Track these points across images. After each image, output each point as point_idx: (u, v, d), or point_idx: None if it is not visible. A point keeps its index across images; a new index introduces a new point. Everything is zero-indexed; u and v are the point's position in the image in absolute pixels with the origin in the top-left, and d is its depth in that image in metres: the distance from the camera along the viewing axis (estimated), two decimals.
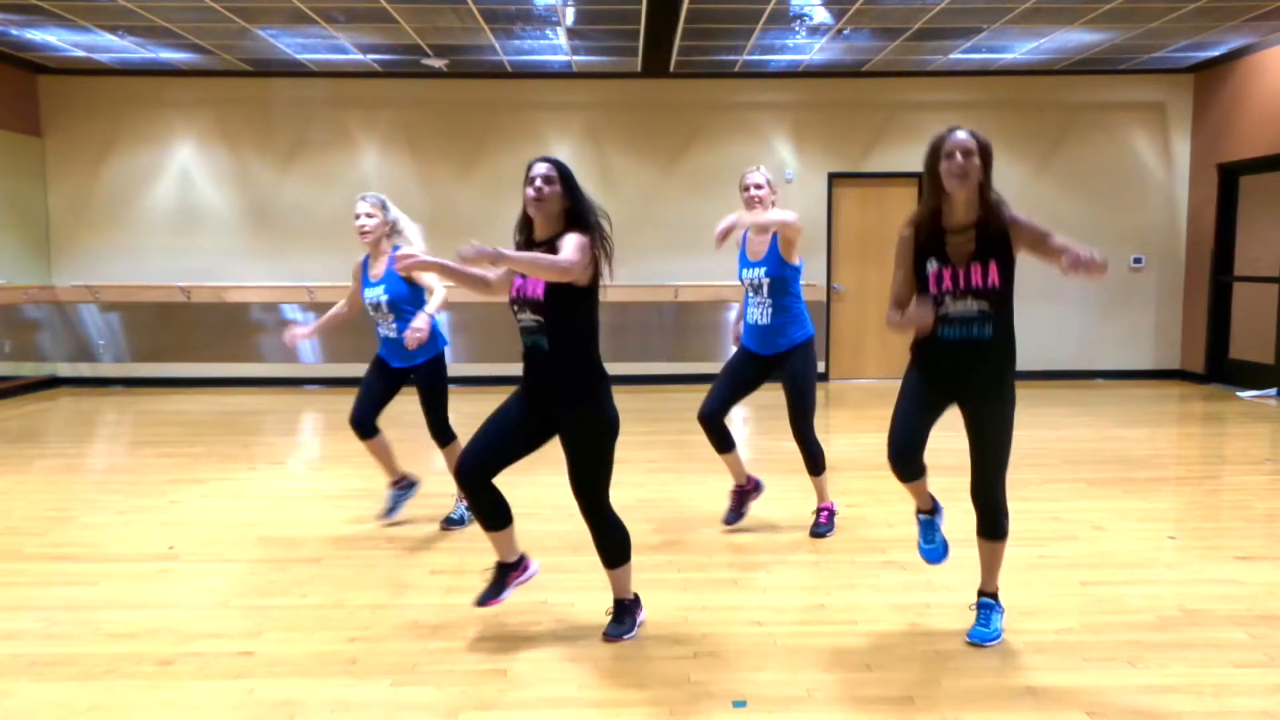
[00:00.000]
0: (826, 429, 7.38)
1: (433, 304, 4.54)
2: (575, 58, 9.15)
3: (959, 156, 3.05)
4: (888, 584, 3.93)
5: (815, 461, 4.59)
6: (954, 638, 3.38)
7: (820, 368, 10.06)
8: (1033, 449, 6.51)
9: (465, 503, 4.84)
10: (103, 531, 4.79)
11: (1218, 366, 9.78)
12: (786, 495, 5.26)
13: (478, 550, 4.35)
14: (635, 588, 3.48)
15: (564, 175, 3.25)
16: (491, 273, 3.36)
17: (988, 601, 3.42)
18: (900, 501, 5.15)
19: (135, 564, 4.27)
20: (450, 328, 10.02)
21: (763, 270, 4.43)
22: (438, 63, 9.20)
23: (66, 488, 5.77)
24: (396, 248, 4.58)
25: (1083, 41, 8.54)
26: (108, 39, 8.34)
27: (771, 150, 10.03)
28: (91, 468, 6.61)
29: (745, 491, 4.74)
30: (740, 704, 2.90)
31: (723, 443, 4.60)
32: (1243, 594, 3.79)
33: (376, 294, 4.57)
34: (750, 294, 4.55)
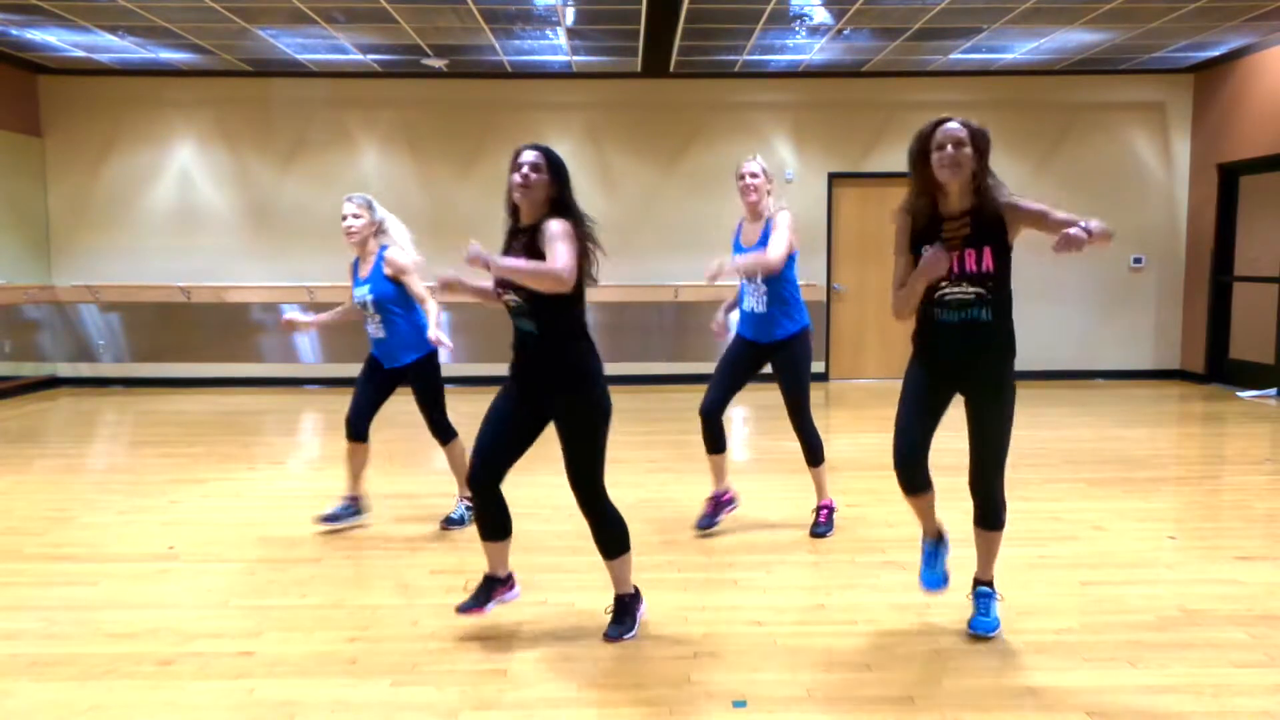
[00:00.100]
0: (827, 429, 7.36)
1: (432, 321, 4.53)
2: (575, 58, 9.15)
3: (950, 148, 3.04)
4: (888, 584, 3.93)
5: (815, 453, 4.59)
6: (954, 637, 3.38)
7: (820, 368, 10.08)
8: (1033, 449, 6.51)
9: (465, 502, 4.85)
10: (103, 531, 4.79)
11: (1218, 366, 9.78)
12: (786, 495, 5.26)
13: (478, 550, 4.33)
14: (631, 585, 3.47)
15: (552, 164, 3.20)
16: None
17: (985, 590, 3.43)
18: (900, 501, 5.14)
19: (135, 564, 4.27)
20: (450, 328, 10.03)
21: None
22: (438, 63, 9.20)
23: (66, 488, 5.77)
24: (384, 247, 4.57)
25: (1083, 41, 8.54)
26: (108, 39, 8.34)
27: (771, 150, 10.02)
28: (91, 468, 6.62)
29: (722, 502, 4.71)
30: (740, 704, 2.90)
31: (716, 443, 4.60)
32: (1243, 594, 3.79)
33: (363, 293, 4.57)
34: (745, 281, 4.53)
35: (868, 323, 10.18)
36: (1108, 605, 3.68)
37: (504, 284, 3.23)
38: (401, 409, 4.94)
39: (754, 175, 4.48)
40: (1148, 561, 4.24)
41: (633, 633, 3.40)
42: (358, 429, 4.67)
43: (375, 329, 4.61)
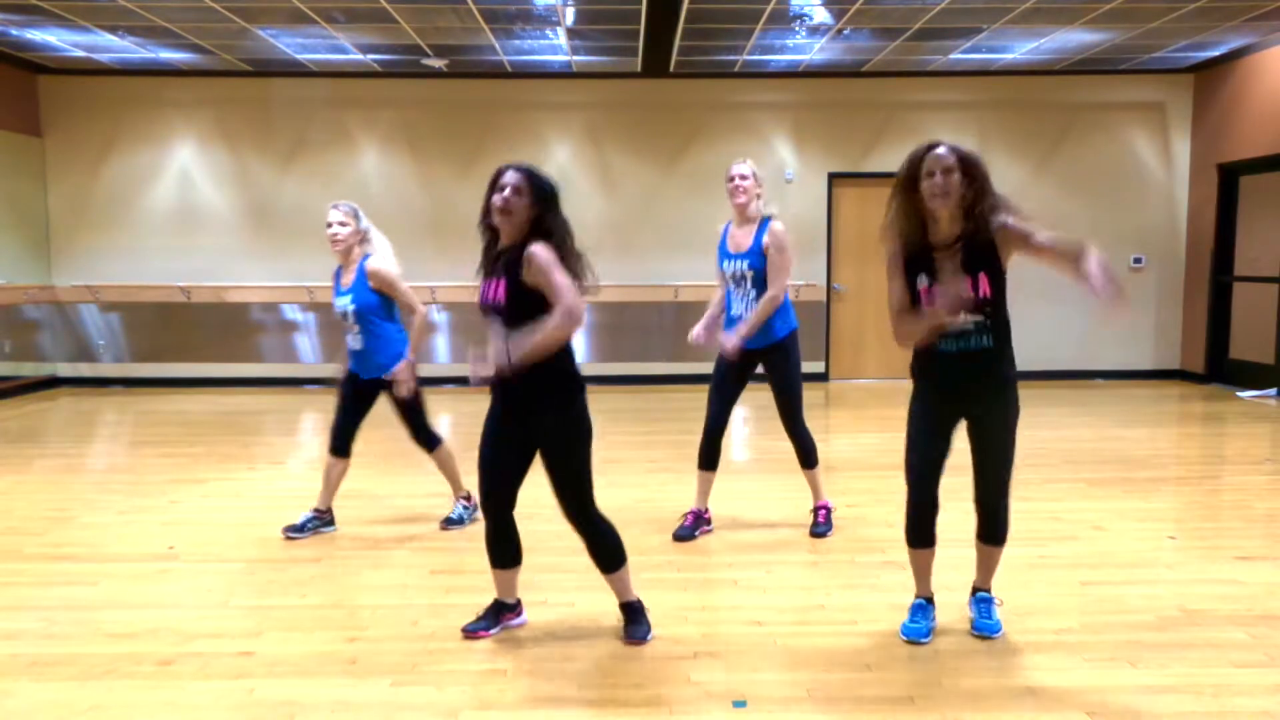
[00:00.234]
0: (826, 429, 7.38)
1: (413, 342, 4.50)
2: (575, 58, 9.15)
3: (939, 175, 3.01)
4: (888, 584, 3.93)
5: (808, 455, 4.59)
6: (954, 637, 3.38)
7: (820, 368, 10.09)
8: (1033, 449, 6.51)
9: (463, 501, 4.84)
10: (103, 531, 4.79)
11: (1218, 366, 9.78)
12: (786, 495, 5.26)
13: (478, 550, 4.33)
14: (636, 587, 3.47)
15: (534, 186, 3.10)
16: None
17: (985, 596, 3.44)
18: (900, 501, 5.15)
19: (135, 564, 4.27)
20: (448, 328, 10.04)
21: (746, 263, 4.40)
22: (438, 63, 9.20)
23: (66, 488, 5.77)
24: (366, 256, 4.52)
25: (1083, 41, 8.54)
26: (108, 39, 8.34)
27: (771, 150, 10.03)
28: (91, 468, 6.62)
29: (703, 518, 4.68)
30: (740, 704, 2.90)
31: (712, 460, 4.59)
32: (1243, 594, 3.79)
33: (345, 303, 4.52)
34: (733, 286, 4.50)
35: (868, 323, 10.18)
36: (1108, 605, 3.68)
37: (487, 309, 3.19)
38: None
39: (744, 177, 4.42)
40: (1148, 561, 4.24)
41: (651, 633, 3.40)
42: (338, 445, 4.63)
43: (353, 340, 4.55)
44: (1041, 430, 7.25)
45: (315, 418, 8.54)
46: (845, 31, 8.14)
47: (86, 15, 7.60)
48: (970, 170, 3.02)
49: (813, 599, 3.80)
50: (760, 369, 4.54)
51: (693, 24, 7.86)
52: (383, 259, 4.52)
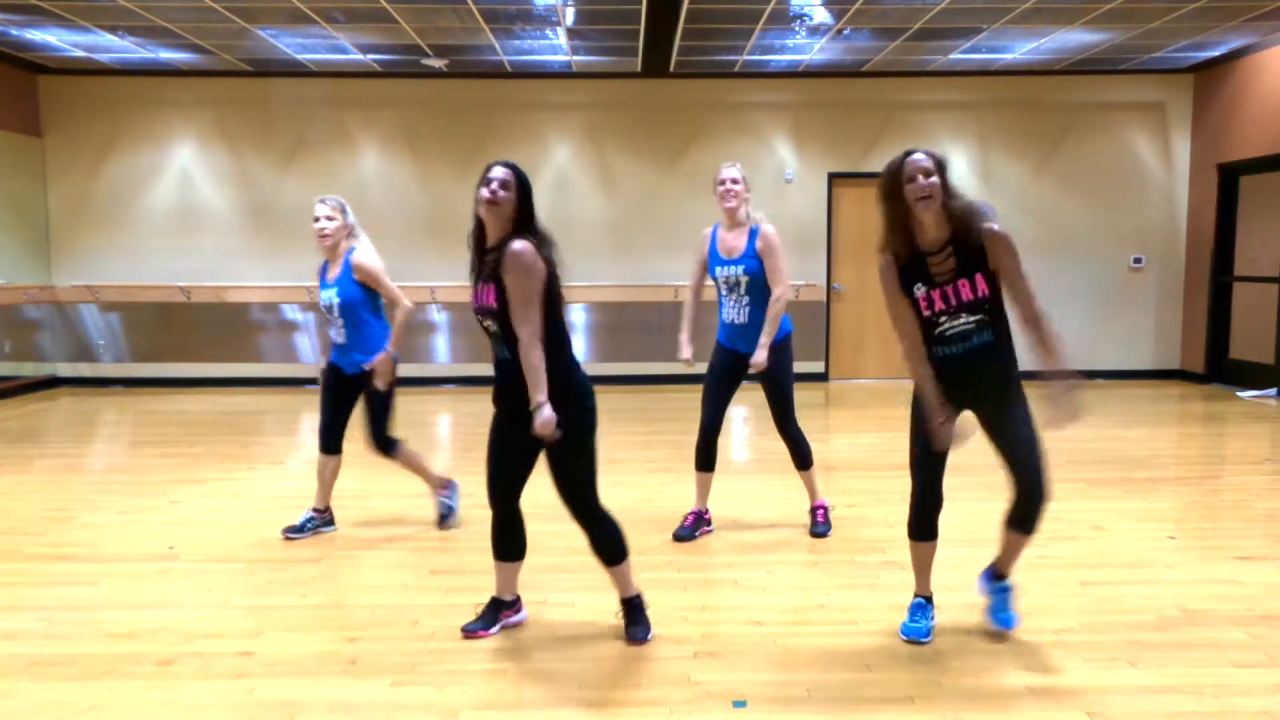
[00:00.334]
0: (826, 429, 7.38)
1: (394, 336, 4.46)
2: (575, 58, 9.15)
3: (921, 179, 3.03)
4: (888, 584, 3.93)
5: (803, 456, 4.59)
6: (954, 637, 3.38)
7: (820, 368, 10.09)
8: None
9: (443, 494, 4.79)
10: (103, 531, 4.79)
11: (1218, 366, 9.78)
12: (786, 495, 5.26)
13: (478, 550, 4.34)
14: (636, 587, 3.47)
15: (521, 182, 3.18)
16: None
17: (1006, 585, 3.44)
18: (900, 501, 5.13)
19: (135, 564, 4.27)
20: (447, 328, 10.03)
21: (740, 268, 4.39)
22: (438, 63, 9.20)
23: (66, 488, 5.77)
24: (351, 250, 4.51)
25: (1083, 41, 8.54)
26: (108, 39, 8.34)
27: (771, 150, 10.03)
28: (91, 468, 6.62)
29: (704, 519, 4.68)
30: (740, 704, 2.90)
31: (709, 461, 4.60)
32: (1243, 594, 3.79)
33: (329, 296, 4.50)
34: (725, 292, 4.49)
35: (868, 323, 10.17)
36: (1108, 605, 3.69)
37: (479, 312, 3.23)
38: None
39: (735, 181, 4.39)
40: (1148, 561, 4.24)
41: (651, 631, 3.40)
42: (328, 443, 4.63)
43: (337, 333, 4.54)
44: (1041, 430, 7.23)
45: (315, 418, 8.53)
46: (845, 31, 8.14)
47: (86, 15, 7.60)
48: (943, 172, 3.07)
49: (813, 599, 3.80)
50: (752, 371, 4.54)
51: (693, 24, 7.86)
52: (369, 253, 4.51)
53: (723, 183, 4.41)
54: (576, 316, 9.73)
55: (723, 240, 4.49)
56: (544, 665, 3.21)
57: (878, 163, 10.00)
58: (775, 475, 5.81)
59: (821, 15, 7.69)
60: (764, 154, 10.02)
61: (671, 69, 9.53)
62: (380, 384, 4.46)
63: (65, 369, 10.11)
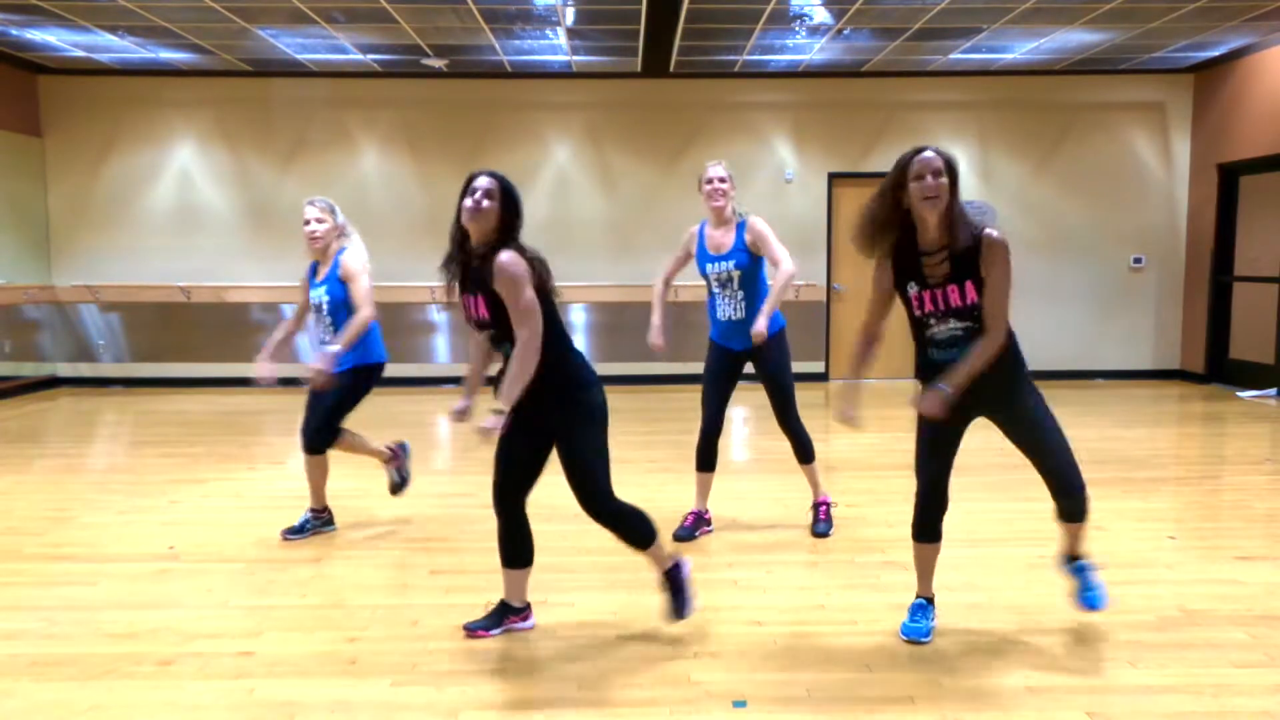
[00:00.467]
0: (826, 429, 7.38)
1: (345, 337, 4.36)
2: (575, 58, 9.15)
3: (929, 178, 3.00)
4: (888, 584, 3.93)
5: (805, 449, 4.59)
6: (954, 637, 3.38)
7: (820, 368, 10.08)
8: None
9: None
10: (103, 531, 4.79)
11: (1218, 366, 9.78)
12: (786, 495, 5.26)
13: (478, 550, 4.35)
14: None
15: (505, 191, 3.18)
16: (477, 350, 3.44)
17: (1083, 565, 3.42)
18: (900, 501, 5.15)
19: (135, 564, 4.27)
20: (449, 328, 10.03)
21: (731, 263, 4.40)
22: (438, 63, 9.20)
23: (66, 488, 5.77)
24: (341, 250, 4.51)
25: (1083, 41, 8.54)
26: (108, 39, 8.34)
27: (771, 150, 10.03)
28: (91, 468, 6.61)
29: (704, 519, 4.68)
30: (740, 704, 2.90)
31: (709, 461, 4.60)
32: (1243, 594, 3.79)
33: (319, 295, 4.50)
34: (717, 289, 4.49)
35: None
36: (1108, 605, 3.68)
37: (475, 323, 3.24)
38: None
39: (722, 180, 4.40)
40: (1148, 561, 4.24)
41: (692, 604, 3.40)
42: (311, 444, 4.59)
43: (325, 333, 4.54)
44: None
45: None
46: (845, 31, 8.14)
47: (86, 15, 7.60)
48: (954, 175, 3.05)
49: (813, 599, 3.80)
50: (751, 368, 4.54)
51: (693, 24, 7.86)
52: (356, 253, 4.50)
53: (710, 181, 4.41)
54: (576, 316, 9.75)
55: (710, 237, 4.50)
56: (544, 665, 3.21)
57: (878, 163, 10.13)
58: (775, 475, 5.81)
59: (821, 15, 7.70)
60: (764, 154, 10.02)
61: (671, 69, 9.54)
62: (315, 382, 4.33)
63: (65, 369, 10.11)
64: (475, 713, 2.87)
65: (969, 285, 3.07)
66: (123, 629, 3.52)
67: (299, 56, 9.01)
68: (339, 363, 4.42)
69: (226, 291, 9.94)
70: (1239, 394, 9.03)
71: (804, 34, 8.24)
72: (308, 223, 4.48)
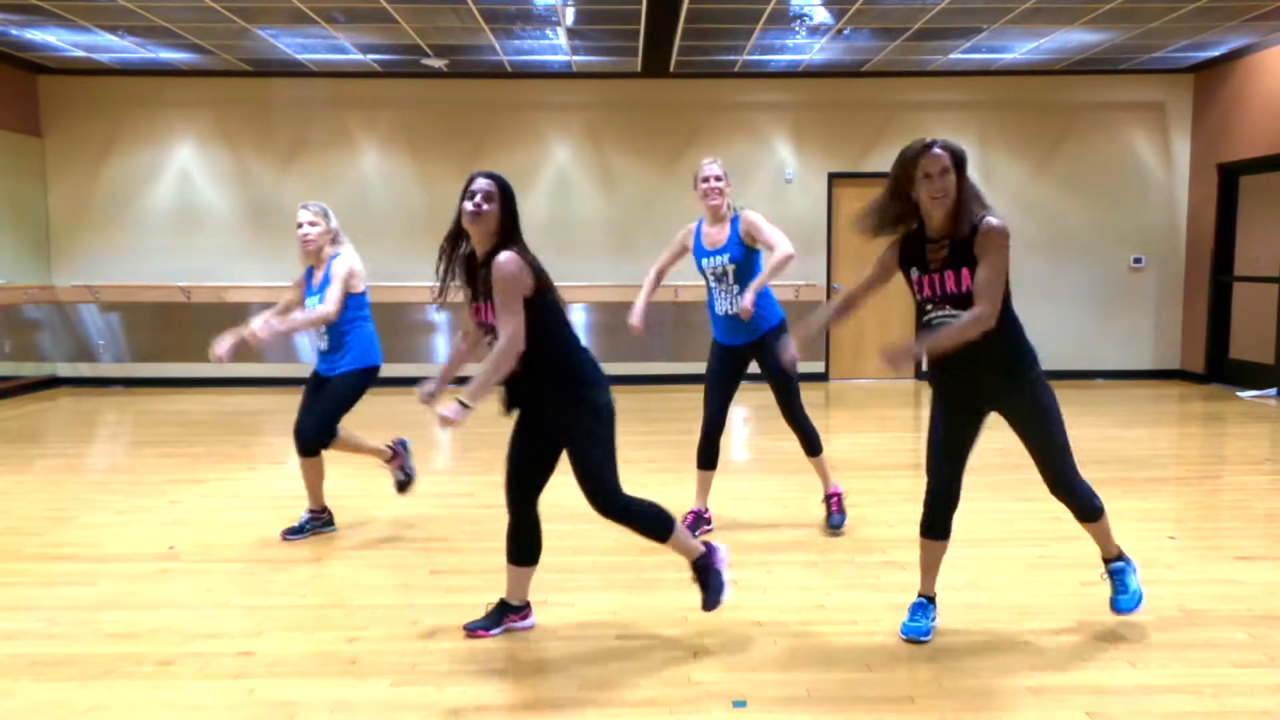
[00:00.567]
0: (826, 429, 7.36)
1: (296, 321, 4.40)
2: (575, 58, 9.15)
3: (937, 177, 3.02)
4: (888, 584, 3.93)
5: (812, 442, 4.59)
6: (954, 637, 3.38)
7: (820, 368, 10.08)
8: None
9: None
10: (103, 531, 4.79)
11: (1218, 366, 9.78)
12: (786, 495, 5.26)
13: (478, 550, 4.35)
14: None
15: (504, 192, 3.18)
16: (465, 343, 3.48)
17: (1118, 566, 3.43)
18: (900, 501, 5.16)
19: (135, 564, 4.27)
20: (448, 327, 10.03)
21: (726, 257, 4.40)
22: (438, 63, 9.20)
23: (66, 488, 5.77)
24: (334, 256, 4.52)
25: (1083, 41, 8.54)
26: (108, 39, 8.34)
27: (771, 150, 10.03)
28: (91, 468, 6.61)
29: (704, 518, 4.68)
30: (740, 704, 2.90)
31: (711, 460, 4.60)
32: (1243, 594, 3.79)
33: (314, 303, 4.52)
34: (714, 284, 4.49)
35: (868, 323, 10.14)
36: (1108, 605, 3.68)
37: (481, 327, 3.25)
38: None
39: (718, 178, 4.42)
40: (1148, 561, 4.22)
41: (725, 592, 3.39)
42: (307, 445, 4.59)
43: (319, 339, 4.55)
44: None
45: None
46: (845, 31, 8.14)
47: (86, 15, 7.60)
48: (961, 167, 3.05)
49: (813, 599, 3.80)
50: (755, 367, 4.54)
51: (693, 24, 7.86)
52: (348, 258, 4.52)
53: (706, 180, 4.43)
54: (576, 316, 9.74)
55: (707, 234, 4.53)
56: (544, 665, 3.21)
57: (878, 163, 10.13)
58: (775, 475, 5.81)
59: (821, 15, 7.70)
60: (764, 154, 10.02)
61: (671, 69, 9.53)
62: (258, 332, 4.31)
63: (65, 369, 10.11)
64: (475, 713, 2.87)
65: (965, 272, 3.08)
66: (122, 629, 3.52)
67: (299, 56, 9.01)
68: (339, 365, 4.46)
69: (226, 291, 9.93)
70: (1239, 394, 9.03)
71: (804, 34, 8.24)
72: (301, 225, 4.52)
